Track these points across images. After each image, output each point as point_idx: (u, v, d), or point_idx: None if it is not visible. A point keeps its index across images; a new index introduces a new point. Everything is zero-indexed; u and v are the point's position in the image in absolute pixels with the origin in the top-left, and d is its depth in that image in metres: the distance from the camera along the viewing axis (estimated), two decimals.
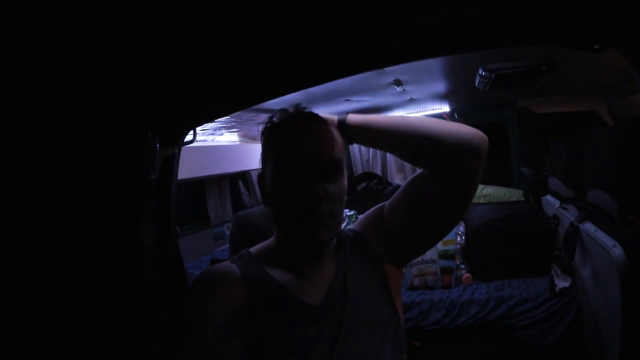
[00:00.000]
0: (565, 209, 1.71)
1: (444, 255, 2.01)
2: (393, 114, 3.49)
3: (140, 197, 1.05)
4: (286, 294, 0.75)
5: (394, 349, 0.76)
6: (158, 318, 1.09)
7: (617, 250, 1.10)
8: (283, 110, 0.78)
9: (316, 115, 0.77)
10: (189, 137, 1.25)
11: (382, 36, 0.82)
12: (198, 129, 1.30)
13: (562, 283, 1.73)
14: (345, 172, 0.78)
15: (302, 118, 0.76)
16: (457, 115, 3.48)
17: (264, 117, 2.42)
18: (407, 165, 3.82)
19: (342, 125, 0.81)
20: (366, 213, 0.91)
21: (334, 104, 2.73)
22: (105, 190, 1.00)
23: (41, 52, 0.75)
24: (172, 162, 1.21)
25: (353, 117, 0.82)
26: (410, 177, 0.84)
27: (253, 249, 0.84)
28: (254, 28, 0.76)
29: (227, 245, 3.84)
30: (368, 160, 3.90)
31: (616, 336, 1.14)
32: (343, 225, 2.19)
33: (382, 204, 0.88)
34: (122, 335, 1.01)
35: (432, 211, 0.79)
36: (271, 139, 0.77)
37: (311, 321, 0.73)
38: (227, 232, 4.26)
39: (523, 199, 2.84)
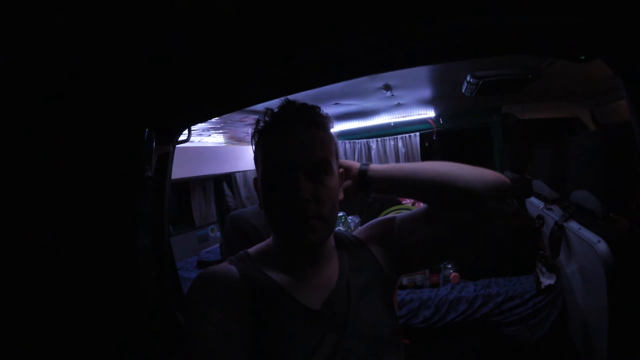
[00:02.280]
0: (550, 209, 1.77)
1: None
2: (380, 119, 3.54)
3: (137, 194, 1.04)
4: (286, 296, 0.74)
5: None
6: (154, 318, 1.08)
7: (602, 246, 1.15)
8: (269, 111, 0.77)
9: (301, 114, 0.75)
10: (183, 137, 1.26)
11: (376, 43, 0.85)
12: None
13: (547, 280, 1.79)
14: (337, 171, 0.77)
15: (287, 120, 0.75)
16: (442, 120, 3.55)
17: (253, 118, 2.43)
18: None
19: (363, 175, 0.81)
20: (371, 223, 0.91)
21: (324, 107, 2.72)
22: (103, 187, 0.99)
23: (44, 51, 0.75)
24: (167, 160, 1.21)
25: (375, 168, 0.82)
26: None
27: (251, 250, 0.84)
28: (250, 31, 0.77)
29: (212, 247, 3.82)
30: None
31: (603, 329, 1.18)
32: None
33: (390, 217, 0.88)
34: (117, 335, 1.00)
35: (447, 239, 0.80)
36: (259, 142, 0.77)
37: (312, 325, 0.72)
38: (212, 234, 4.23)
39: (506, 201, 2.91)
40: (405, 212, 0.87)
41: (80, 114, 0.93)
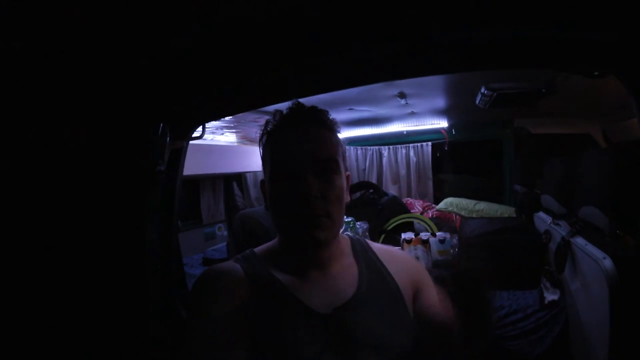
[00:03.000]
0: (557, 224, 1.76)
1: (438, 265, 2.05)
2: (392, 126, 3.54)
3: (149, 187, 1.07)
4: (290, 296, 0.74)
5: None
6: (156, 310, 1.10)
7: (607, 262, 1.14)
8: (277, 113, 0.79)
9: (310, 116, 0.77)
10: (197, 133, 1.28)
11: (397, 50, 0.87)
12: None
13: (551, 296, 1.78)
14: (344, 172, 0.79)
15: (296, 120, 0.77)
16: (455, 131, 3.54)
17: (268, 119, 2.45)
18: (403, 177, 3.87)
19: None
20: (404, 261, 0.90)
21: (337, 112, 2.76)
22: (116, 177, 1.02)
23: (67, 49, 0.77)
24: (179, 155, 1.24)
25: None
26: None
27: (257, 249, 0.84)
28: (268, 32, 0.79)
29: (219, 245, 3.85)
30: (364, 169, 3.95)
31: (604, 347, 1.17)
32: (340, 231, 2.23)
33: (428, 284, 0.87)
34: (119, 325, 1.02)
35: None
36: (267, 142, 0.79)
37: (317, 329, 0.72)
38: (219, 233, 4.26)
39: (515, 215, 2.90)
40: (434, 298, 0.86)
41: (97, 107, 0.96)
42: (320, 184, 0.73)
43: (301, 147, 0.74)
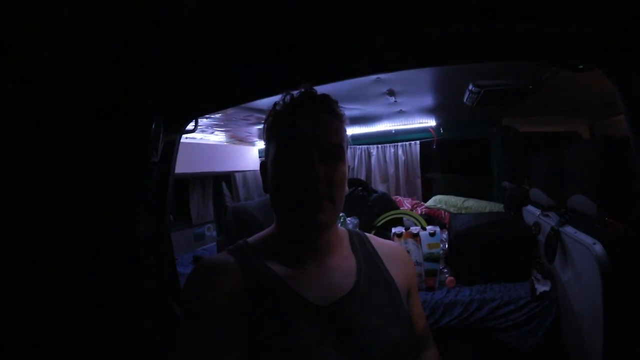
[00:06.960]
0: (547, 215, 1.80)
1: (429, 258, 2.06)
2: (381, 125, 3.57)
3: (143, 178, 1.06)
4: (287, 288, 0.74)
5: None
6: (150, 305, 1.08)
7: (598, 247, 1.17)
8: (288, 95, 0.79)
9: (320, 102, 0.78)
10: (190, 127, 1.28)
11: (388, 43, 0.88)
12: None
13: (542, 287, 1.80)
14: (347, 161, 0.80)
15: (309, 104, 0.77)
16: (443, 130, 3.58)
17: (257, 117, 2.44)
18: (391, 175, 3.90)
19: None
20: (402, 261, 0.91)
21: None
22: (108, 168, 1.00)
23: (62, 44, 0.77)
24: (172, 148, 1.23)
25: None
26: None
27: (251, 239, 0.84)
28: (262, 23, 0.80)
29: (208, 245, 3.82)
30: (353, 168, 3.97)
31: (598, 335, 1.19)
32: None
33: (414, 289, 0.91)
34: (114, 322, 1.00)
35: None
36: (275, 122, 0.79)
37: (315, 322, 0.71)
38: (208, 233, 4.22)
39: (503, 212, 2.94)
40: (418, 307, 0.93)
41: (92, 98, 0.94)
42: (326, 168, 0.73)
43: (312, 130, 0.74)
